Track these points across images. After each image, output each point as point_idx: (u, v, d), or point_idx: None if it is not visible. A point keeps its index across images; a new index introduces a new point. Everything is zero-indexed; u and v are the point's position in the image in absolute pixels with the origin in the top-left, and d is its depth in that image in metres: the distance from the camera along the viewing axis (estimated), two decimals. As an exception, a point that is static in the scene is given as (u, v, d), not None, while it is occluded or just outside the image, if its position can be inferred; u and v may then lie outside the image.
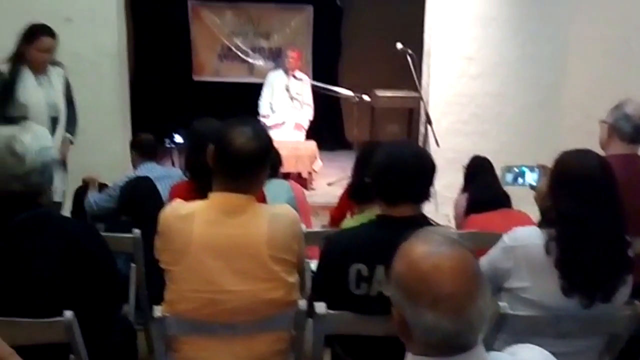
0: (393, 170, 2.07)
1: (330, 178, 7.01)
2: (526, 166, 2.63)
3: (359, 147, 6.82)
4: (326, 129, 8.05)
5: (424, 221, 2.10)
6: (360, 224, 2.28)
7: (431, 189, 2.12)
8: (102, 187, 4.69)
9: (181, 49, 8.29)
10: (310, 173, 6.66)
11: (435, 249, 1.25)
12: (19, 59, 4.01)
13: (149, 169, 4.21)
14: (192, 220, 2.03)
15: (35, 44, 4.03)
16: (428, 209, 2.18)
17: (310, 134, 6.98)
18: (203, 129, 2.80)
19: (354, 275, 2.06)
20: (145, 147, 4.46)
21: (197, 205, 2.09)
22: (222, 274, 2.01)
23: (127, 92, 5.58)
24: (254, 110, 6.76)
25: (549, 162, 2.71)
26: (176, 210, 2.09)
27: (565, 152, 2.16)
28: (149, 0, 7.65)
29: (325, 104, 7.52)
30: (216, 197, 2.08)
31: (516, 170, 2.65)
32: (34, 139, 2.09)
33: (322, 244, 3.17)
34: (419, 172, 2.08)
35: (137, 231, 2.90)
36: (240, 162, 2.05)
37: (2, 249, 2.03)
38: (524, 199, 3.48)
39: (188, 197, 2.65)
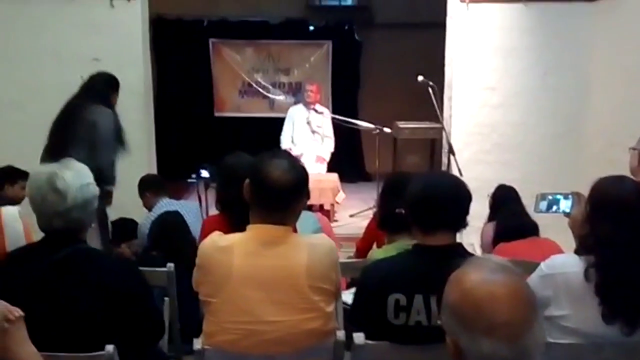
0: (430, 199, 2.09)
1: (352, 210, 7.03)
2: (560, 194, 2.64)
3: (381, 178, 6.85)
4: (346, 161, 8.10)
5: (461, 250, 2.11)
6: (397, 253, 2.28)
7: (467, 218, 2.13)
8: (128, 222, 4.77)
9: (203, 86, 8.45)
10: (332, 205, 6.68)
11: (489, 276, 1.26)
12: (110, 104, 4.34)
13: (166, 205, 4.29)
14: (232, 252, 2.05)
15: (118, 91, 4.46)
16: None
17: (331, 166, 7.03)
18: (235, 163, 2.85)
19: (393, 305, 2.05)
20: (157, 185, 4.58)
21: (235, 237, 2.11)
22: (261, 305, 2.02)
23: (152, 129, 5.68)
24: (275, 144, 6.82)
25: (573, 190, 2.73)
26: (215, 242, 2.11)
27: (601, 178, 2.17)
28: (171, 38, 7.81)
29: (345, 137, 7.59)
30: (254, 229, 2.10)
31: (550, 198, 2.65)
32: (75, 176, 2.14)
33: (349, 275, 3.18)
34: (456, 200, 2.09)
35: (170, 265, 2.93)
36: (278, 194, 2.07)
37: (43, 284, 2.06)
38: (551, 226, 3.48)
39: (220, 230, 2.68)
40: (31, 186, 2.14)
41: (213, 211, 5.44)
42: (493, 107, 5.39)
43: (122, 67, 5.26)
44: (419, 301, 2.04)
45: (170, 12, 7.25)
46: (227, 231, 2.28)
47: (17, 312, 1.67)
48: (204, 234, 3.15)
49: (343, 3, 8.76)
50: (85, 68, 5.23)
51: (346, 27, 8.56)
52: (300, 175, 2.12)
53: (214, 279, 2.05)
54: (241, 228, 2.24)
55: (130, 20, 5.24)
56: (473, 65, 5.35)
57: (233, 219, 2.76)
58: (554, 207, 2.64)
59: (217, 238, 2.14)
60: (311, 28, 8.56)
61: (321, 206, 6.52)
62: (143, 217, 4.46)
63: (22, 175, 4.19)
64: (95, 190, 2.22)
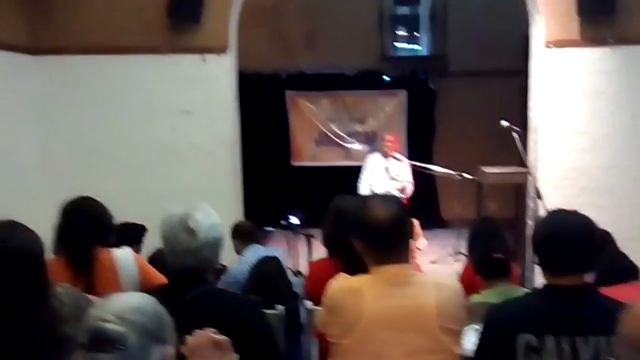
0: (560, 240, 2.05)
1: (431, 256, 7.00)
2: None
3: (461, 224, 6.82)
4: (422, 207, 8.05)
5: (592, 291, 2.07)
6: (525, 294, 2.26)
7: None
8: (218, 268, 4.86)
9: (280, 136, 8.66)
10: (413, 251, 6.64)
11: None
12: None
13: (255, 251, 4.37)
14: (361, 293, 2.07)
15: None
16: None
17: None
18: (346, 205, 2.90)
19: (523, 346, 2.01)
20: (247, 233, 4.68)
21: (363, 279, 2.13)
22: (392, 346, 2.02)
23: (239, 178, 5.83)
24: (350, 192, 6.87)
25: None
26: (344, 284, 2.15)
27: None
28: (250, 91, 8.05)
29: (420, 184, 7.59)
30: (380, 270, 2.11)
31: None
32: (205, 217, 2.23)
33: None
34: (586, 240, 2.05)
35: (280, 307, 2.97)
36: (387, 230, 2.09)
37: (177, 324, 2.12)
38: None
39: (330, 273, 2.71)
40: (164, 227, 2.24)
41: (302, 257, 5.53)
42: (581, 150, 5.32)
43: (213, 118, 5.49)
44: (551, 342, 2.00)
45: (250, 67, 7.51)
46: (337, 274, 2.32)
47: (224, 338, 1.68)
48: (312, 277, 3.21)
49: (418, 53, 8.89)
50: (176, 120, 5.50)
51: (420, 77, 8.66)
52: (399, 205, 2.17)
53: (344, 321, 2.06)
54: (353, 270, 2.27)
55: (220, 73, 5.47)
56: (559, 109, 5.31)
57: (344, 262, 2.79)
58: None
59: (344, 280, 2.17)
60: (386, 78, 8.69)
61: (402, 253, 6.48)
62: (235, 261, 4.55)
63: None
64: (222, 230, 2.30)
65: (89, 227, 2.86)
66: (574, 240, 2.04)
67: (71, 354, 1.80)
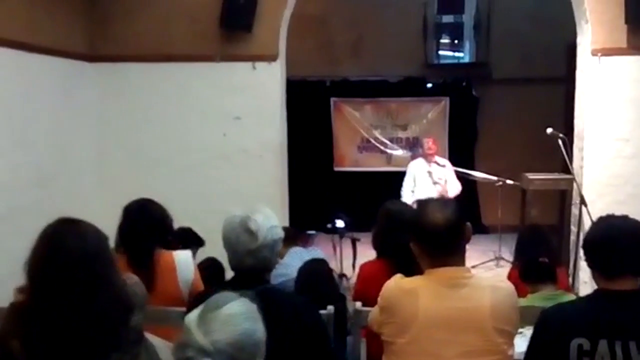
0: (613, 243, 2.09)
1: (472, 261, 6.99)
2: None
3: (503, 230, 6.84)
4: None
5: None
6: (578, 298, 2.31)
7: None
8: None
9: (323, 142, 8.79)
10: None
11: None
12: None
13: (298, 252, 4.47)
14: (417, 294, 2.14)
15: None
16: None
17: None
18: (395, 209, 3.01)
19: (575, 350, 2.05)
20: (290, 237, 4.77)
21: (418, 280, 2.21)
22: (446, 347, 2.08)
23: (286, 183, 5.96)
24: (392, 197, 6.94)
25: None
26: (400, 285, 2.23)
27: None
28: (295, 98, 8.21)
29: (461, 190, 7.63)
30: (436, 272, 2.18)
31: None
32: (265, 219, 2.35)
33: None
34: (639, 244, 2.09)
35: (330, 307, 3.06)
36: (444, 233, 2.17)
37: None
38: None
39: (380, 275, 2.80)
40: (226, 227, 2.36)
41: (347, 260, 5.63)
42: (627, 157, 5.30)
43: (262, 124, 5.63)
44: (604, 346, 2.03)
45: (295, 74, 7.65)
46: (387, 276, 2.41)
47: None
48: (362, 279, 3.31)
49: (461, 61, 8.93)
50: (227, 126, 5.66)
51: (463, 84, 8.69)
52: (456, 209, 2.25)
53: (400, 320, 2.14)
54: (403, 272, 2.35)
55: (270, 81, 5.60)
56: (605, 116, 5.31)
57: (394, 264, 2.87)
58: None
59: (400, 281, 2.25)
60: (429, 85, 8.76)
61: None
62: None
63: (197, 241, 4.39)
64: (281, 232, 2.43)
65: (149, 228, 2.99)
66: (628, 244, 2.08)
67: (136, 344, 1.93)
